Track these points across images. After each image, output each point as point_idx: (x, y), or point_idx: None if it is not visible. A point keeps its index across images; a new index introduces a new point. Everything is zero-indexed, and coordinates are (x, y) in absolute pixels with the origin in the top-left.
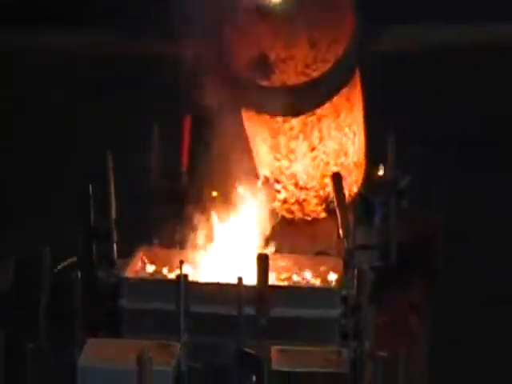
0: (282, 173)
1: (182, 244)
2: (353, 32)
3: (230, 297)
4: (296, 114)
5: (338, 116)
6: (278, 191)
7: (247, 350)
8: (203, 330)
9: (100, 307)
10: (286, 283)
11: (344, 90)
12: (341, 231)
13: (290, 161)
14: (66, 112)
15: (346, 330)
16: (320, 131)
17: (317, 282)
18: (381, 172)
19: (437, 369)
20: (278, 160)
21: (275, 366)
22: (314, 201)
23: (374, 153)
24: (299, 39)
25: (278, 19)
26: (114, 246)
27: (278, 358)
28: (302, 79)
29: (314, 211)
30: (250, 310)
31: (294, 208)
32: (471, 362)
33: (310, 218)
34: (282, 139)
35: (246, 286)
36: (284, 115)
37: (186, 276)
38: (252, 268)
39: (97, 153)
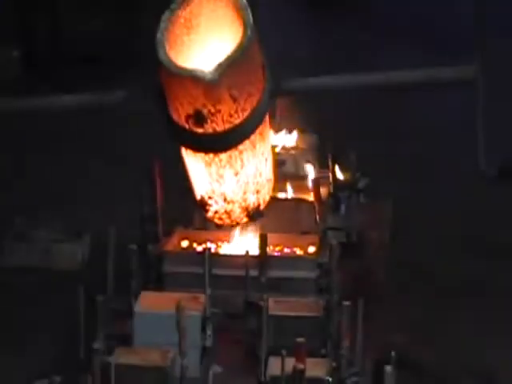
0: (213, 192)
1: (207, 227)
2: (263, 87)
3: (240, 263)
4: (223, 150)
5: (254, 147)
6: (211, 205)
7: (252, 300)
8: (222, 286)
9: (150, 271)
10: (279, 254)
11: (258, 128)
12: (318, 217)
13: (220, 183)
14: None
15: (321, 287)
16: (241, 160)
17: (301, 253)
18: (344, 176)
19: (389, 312)
20: (210, 183)
21: (271, 312)
22: (238, 210)
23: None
24: (224, 97)
25: (208, 84)
26: (160, 227)
27: (274, 306)
28: (228, 126)
29: (238, 217)
30: (254, 272)
31: (224, 216)
32: (414, 306)
33: (235, 223)
34: (214, 168)
35: (251, 256)
36: (214, 152)
37: (209, 249)
38: (256, 243)
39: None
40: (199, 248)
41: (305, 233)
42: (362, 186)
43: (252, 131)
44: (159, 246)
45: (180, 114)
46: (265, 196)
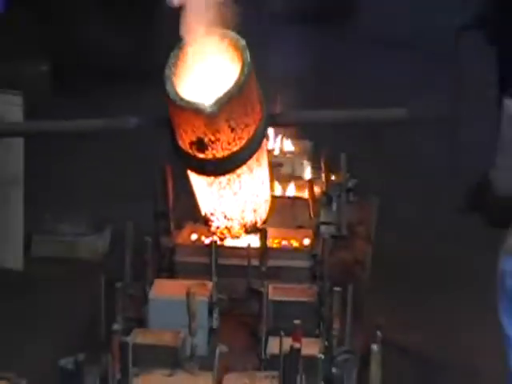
0: (215, 210)
1: None
2: (260, 118)
3: (243, 254)
4: (223, 174)
5: (251, 171)
6: (213, 221)
7: (253, 287)
8: (227, 274)
9: (163, 261)
10: (277, 246)
11: (255, 155)
12: (312, 213)
13: (220, 202)
14: None
15: (315, 275)
16: (240, 183)
17: (297, 245)
18: (336, 177)
19: (375, 297)
20: (212, 202)
21: (271, 297)
22: (237, 227)
23: (334, 163)
24: (222, 128)
25: (208, 116)
26: (171, 222)
27: (273, 292)
28: (226, 153)
29: (237, 233)
30: (255, 262)
31: (224, 231)
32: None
33: (235, 237)
34: (215, 188)
35: (252, 247)
36: (215, 176)
37: (215, 242)
38: (257, 237)
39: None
40: (207, 241)
41: (300, 227)
42: (351, 186)
43: (249, 157)
44: (171, 239)
45: (184, 140)
46: (261, 214)
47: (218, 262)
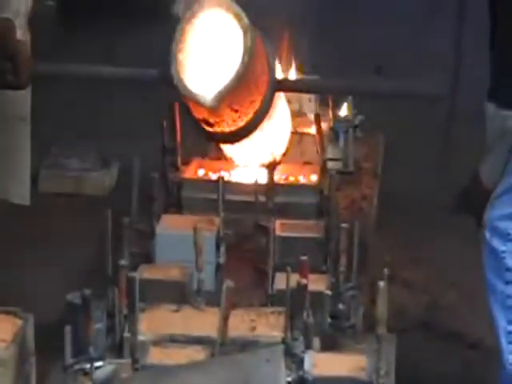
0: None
1: (221, 157)
2: (266, 89)
3: (250, 190)
4: (233, 143)
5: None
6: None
7: (261, 222)
8: (233, 210)
9: (170, 196)
10: (285, 181)
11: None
12: (319, 149)
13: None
14: None
15: (322, 210)
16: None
17: (304, 181)
18: (342, 113)
19: (379, 234)
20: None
21: (278, 233)
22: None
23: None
24: (226, 112)
25: (209, 108)
26: (179, 157)
27: (280, 227)
28: (234, 128)
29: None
30: (262, 198)
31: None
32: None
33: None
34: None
35: (260, 183)
36: (226, 144)
37: (223, 177)
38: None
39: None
40: (214, 176)
41: (307, 163)
42: (358, 122)
43: (257, 126)
44: (178, 174)
45: (194, 113)
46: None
47: (225, 198)
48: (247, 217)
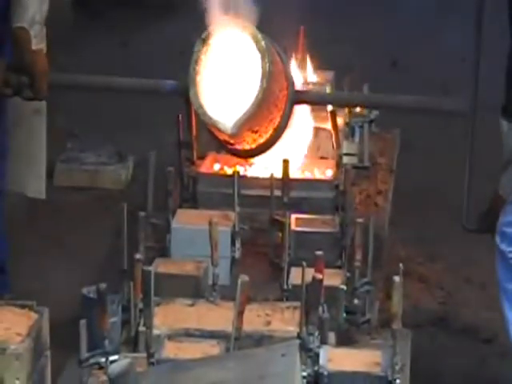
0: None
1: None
2: (285, 104)
3: (266, 184)
4: (252, 157)
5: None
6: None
7: (277, 217)
8: (249, 205)
9: (185, 191)
10: (300, 176)
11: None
12: (334, 143)
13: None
14: None
15: (337, 205)
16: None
17: (320, 176)
18: (358, 109)
19: (394, 229)
20: None
21: (293, 228)
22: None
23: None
24: (246, 134)
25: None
26: (194, 152)
27: (296, 222)
28: (254, 145)
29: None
30: (278, 193)
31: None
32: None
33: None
34: None
35: (275, 178)
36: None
37: (238, 172)
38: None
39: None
40: (229, 170)
41: (323, 158)
42: (373, 117)
43: (277, 140)
44: (194, 169)
45: (215, 135)
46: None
47: (240, 192)
48: (262, 211)
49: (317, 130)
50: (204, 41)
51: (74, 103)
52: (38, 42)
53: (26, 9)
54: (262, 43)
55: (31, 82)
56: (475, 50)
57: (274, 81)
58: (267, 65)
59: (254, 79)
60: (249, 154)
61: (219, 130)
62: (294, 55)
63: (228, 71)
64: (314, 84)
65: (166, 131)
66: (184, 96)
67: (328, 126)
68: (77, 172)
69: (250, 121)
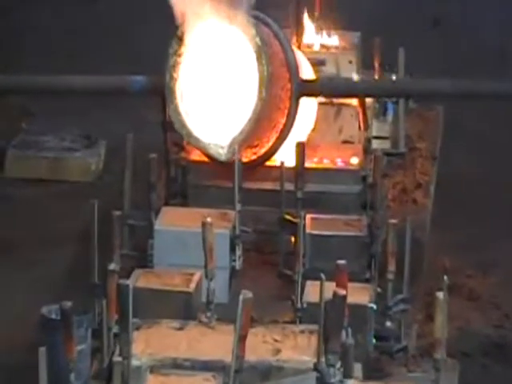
0: None
1: None
2: (290, 101)
3: (274, 175)
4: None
5: None
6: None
7: (288, 217)
8: (254, 201)
9: (172, 183)
10: (318, 165)
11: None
12: (362, 124)
13: None
14: None
15: (364, 202)
16: None
17: (342, 164)
18: (393, 77)
19: (437, 232)
20: None
21: (309, 231)
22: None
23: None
24: (245, 149)
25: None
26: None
27: (312, 224)
28: (253, 157)
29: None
30: (289, 186)
31: None
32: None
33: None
34: None
35: (287, 167)
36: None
37: (240, 159)
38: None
39: None
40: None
41: (347, 142)
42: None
43: (281, 145)
44: (183, 156)
45: None
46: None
47: (242, 186)
48: (270, 210)
49: (338, 106)
50: (180, 39)
51: (31, 73)
52: None
53: None
54: (257, 39)
55: None
56: None
57: (275, 80)
58: (265, 67)
59: (249, 86)
60: (247, 167)
61: (210, 156)
62: (307, 13)
63: (215, 77)
64: (335, 48)
65: (146, 108)
66: (158, 95)
67: (353, 101)
68: (34, 160)
69: (248, 139)
